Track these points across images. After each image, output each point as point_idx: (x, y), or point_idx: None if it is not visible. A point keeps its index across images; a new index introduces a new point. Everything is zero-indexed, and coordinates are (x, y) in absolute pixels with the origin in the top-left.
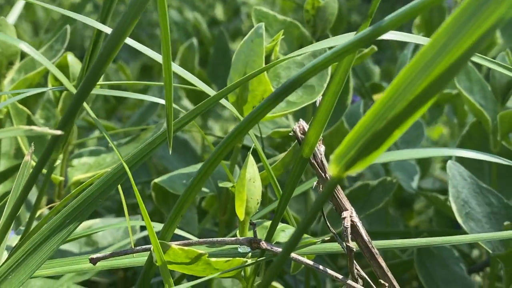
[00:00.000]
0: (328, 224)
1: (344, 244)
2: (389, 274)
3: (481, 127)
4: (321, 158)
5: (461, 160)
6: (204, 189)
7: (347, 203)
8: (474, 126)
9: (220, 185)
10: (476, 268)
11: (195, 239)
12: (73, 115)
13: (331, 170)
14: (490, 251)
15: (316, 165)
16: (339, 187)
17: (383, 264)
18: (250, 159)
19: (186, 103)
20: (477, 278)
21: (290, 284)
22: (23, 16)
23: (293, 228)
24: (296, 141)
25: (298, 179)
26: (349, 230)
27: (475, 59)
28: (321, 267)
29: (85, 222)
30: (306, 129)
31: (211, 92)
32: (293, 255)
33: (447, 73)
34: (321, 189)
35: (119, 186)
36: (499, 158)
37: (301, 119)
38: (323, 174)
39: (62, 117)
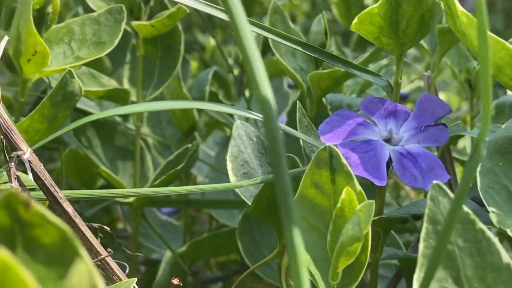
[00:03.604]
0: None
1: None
2: (77, 219)
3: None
4: None
5: None
6: None
7: (22, 144)
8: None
9: None
10: None
11: None
12: None
13: None
14: None
15: None
16: (15, 129)
17: (69, 209)
18: None
19: None
20: None
21: None
22: None
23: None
24: None
25: None
26: (13, 170)
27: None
28: None
29: None
30: None
31: None
32: None
33: None
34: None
35: None
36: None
37: None
38: None
39: None
